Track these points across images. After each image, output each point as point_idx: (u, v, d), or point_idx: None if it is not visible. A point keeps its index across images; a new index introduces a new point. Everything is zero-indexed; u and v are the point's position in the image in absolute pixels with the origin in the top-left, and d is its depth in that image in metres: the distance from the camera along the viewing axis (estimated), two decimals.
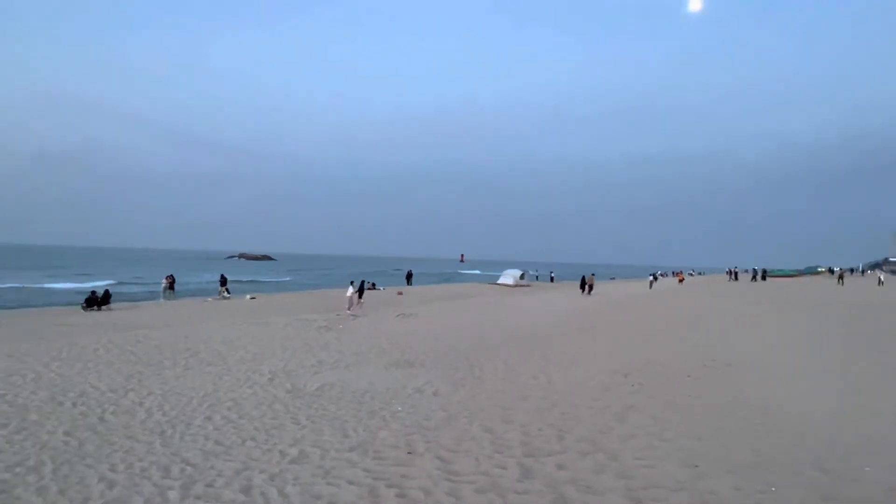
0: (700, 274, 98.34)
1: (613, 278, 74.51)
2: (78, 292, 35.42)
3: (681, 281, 57.02)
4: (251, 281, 56.35)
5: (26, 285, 45.23)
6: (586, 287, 36.82)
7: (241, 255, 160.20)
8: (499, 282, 51.33)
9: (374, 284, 41.21)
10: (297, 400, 8.23)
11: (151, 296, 33.65)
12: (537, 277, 70.35)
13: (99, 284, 35.11)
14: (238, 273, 70.23)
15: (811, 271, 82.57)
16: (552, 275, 71.72)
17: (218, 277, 33.11)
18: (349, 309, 21.67)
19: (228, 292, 30.52)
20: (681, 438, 6.30)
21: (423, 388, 8.94)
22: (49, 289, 42.39)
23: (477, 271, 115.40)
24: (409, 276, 50.98)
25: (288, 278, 69.90)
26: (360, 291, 23.03)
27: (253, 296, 30.99)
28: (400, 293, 35.70)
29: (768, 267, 73.23)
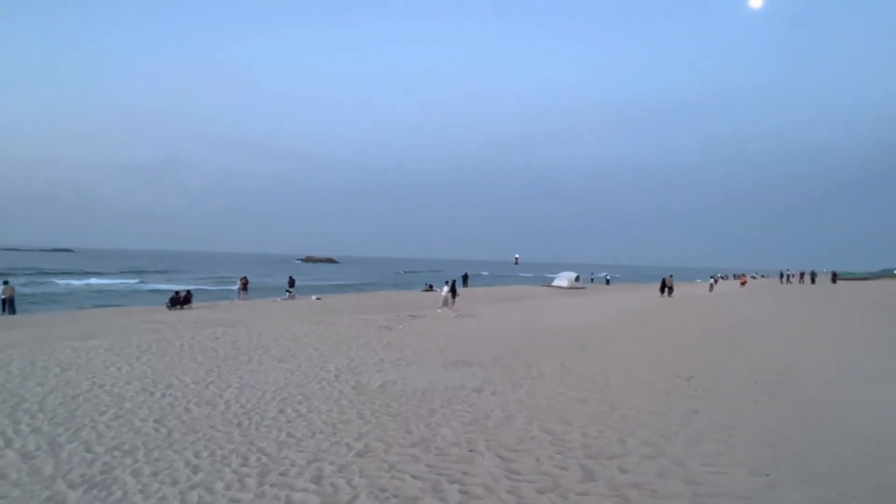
0: (763, 276, 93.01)
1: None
2: (157, 292, 37.79)
3: (743, 284, 54.17)
4: (319, 284, 58.11)
5: (116, 283, 48.71)
6: (666, 289, 35.70)
7: (307, 258, 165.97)
8: (553, 284, 50.56)
9: (430, 286, 41.54)
10: (362, 396, 8.39)
11: (227, 295, 35.39)
12: (592, 280, 68.84)
13: (181, 287, 37.20)
14: (304, 275, 72.72)
15: (887, 274, 75.88)
16: (607, 277, 69.97)
17: (286, 279, 34.32)
18: (440, 309, 22.00)
19: (290, 291, 31.57)
20: (750, 445, 5.95)
21: (482, 388, 8.89)
22: (138, 289, 45.44)
23: (531, 274, 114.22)
24: (465, 278, 51.04)
25: (351, 280, 71.70)
26: (453, 291, 23.12)
27: (318, 296, 31.98)
28: (457, 294, 35.73)
29: (837, 269, 68.00)
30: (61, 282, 47.31)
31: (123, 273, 66.59)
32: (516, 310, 24.27)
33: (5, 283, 23.80)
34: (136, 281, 53.28)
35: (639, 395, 8.38)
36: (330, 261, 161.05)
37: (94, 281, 49.52)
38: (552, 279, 54.01)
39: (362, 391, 8.71)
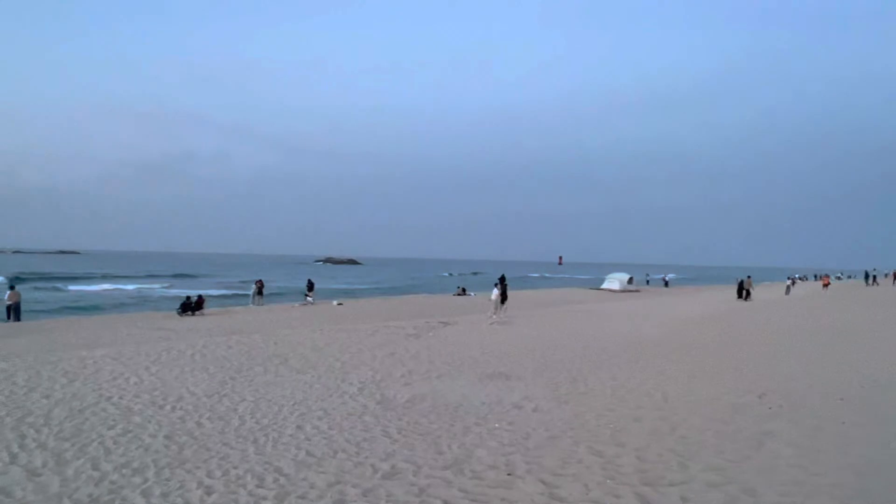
0: (849, 277, 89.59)
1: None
2: (167, 297, 39.01)
3: (826, 286, 52.28)
4: (342, 288, 58.89)
5: (124, 288, 50.47)
6: (744, 292, 34.90)
7: (328, 260, 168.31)
8: (603, 286, 49.90)
9: (464, 290, 41.60)
10: (388, 412, 8.46)
11: (241, 300, 36.23)
12: (648, 282, 67.62)
13: (192, 292, 38.29)
14: (324, 278, 73.81)
15: None
16: (666, 278, 68.61)
17: (304, 282, 34.89)
18: (494, 314, 21.80)
19: (309, 296, 32.03)
20: (834, 472, 5.73)
21: (522, 404, 8.85)
22: (146, 294, 46.97)
23: (577, 275, 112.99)
24: (501, 281, 50.79)
25: (375, 283, 72.41)
26: (504, 294, 22.80)
27: (340, 301, 32.42)
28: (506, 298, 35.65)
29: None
30: (73, 287, 49.19)
31: (138, 277, 68.85)
32: (561, 316, 24.05)
33: (11, 287, 24.95)
34: (158, 286, 54.91)
35: (703, 413, 8.19)
36: (352, 262, 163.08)
37: (107, 286, 51.30)
38: (601, 281, 53.29)
39: (388, 406, 8.78)
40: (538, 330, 18.65)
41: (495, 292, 22.32)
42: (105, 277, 66.16)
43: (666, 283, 65.78)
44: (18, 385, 9.90)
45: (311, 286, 32.61)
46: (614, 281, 49.83)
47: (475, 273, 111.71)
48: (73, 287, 49.36)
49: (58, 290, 47.53)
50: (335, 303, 31.86)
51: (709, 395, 9.30)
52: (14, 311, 23.86)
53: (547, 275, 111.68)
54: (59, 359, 12.31)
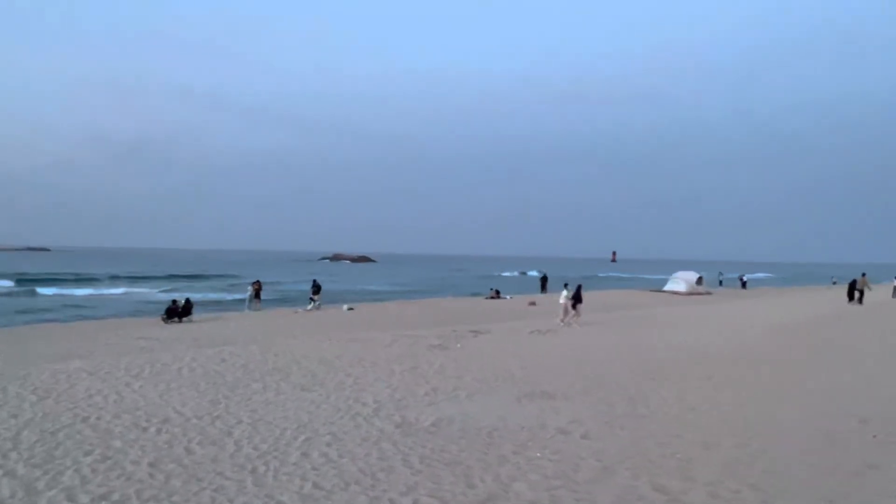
0: None
1: (836, 282, 68.09)
2: (150, 301, 39.86)
3: None
4: (354, 289, 59.36)
5: (104, 293, 51.69)
6: (856, 294, 34.15)
7: (336, 256, 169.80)
8: (667, 288, 49.37)
9: (497, 292, 41.57)
10: (409, 437, 8.50)
11: (236, 305, 36.80)
12: (721, 282, 66.62)
13: (179, 295, 39.02)
14: (333, 278, 74.50)
15: None
16: (743, 278, 67.51)
17: (309, 283, 35.20)
18: (562, 320, 22.48)
19: (315, 300, 32.29)
20: None
21: (569, 429, 8.81)
22: (128, 297, 48.05)
23: (634, 274, 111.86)
24: (543, 282, 50.73)
25: (392, 285, 72.78)
26: (577, 298, 23.36)
27: (351, 306, 32.68)
28: (532, 303, 35.66)
29: None
30: (49, 291, 50.26)
31: (122, 279, 70.19)
32: (615, 323, 23.84)
33: None
34: (147, 289, 55.92)
35: (791, 441, 8.06)
36: (365, 259, 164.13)
37: (91, 291, 52.42)
38: (664, 281, 52.71)
39: (409, 431, 8.81)
40: (588, 340, 18.52)
41: (564, 294, 23.05)
42: (81, 279, 67.69)
43: (743, 284, 64.70)
44: None
45: (316, 288, 32.90)
46: (680, 281, 49.21)
47: (522, 273, 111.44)
48: (49, 291, 50.49)
49: (35, 294, 48.60)
50: (345, 307, 32.12)
51: (798, 420, 9.15)
52: None
53: (600, 274, 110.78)
54: (27, 373, 12.66)
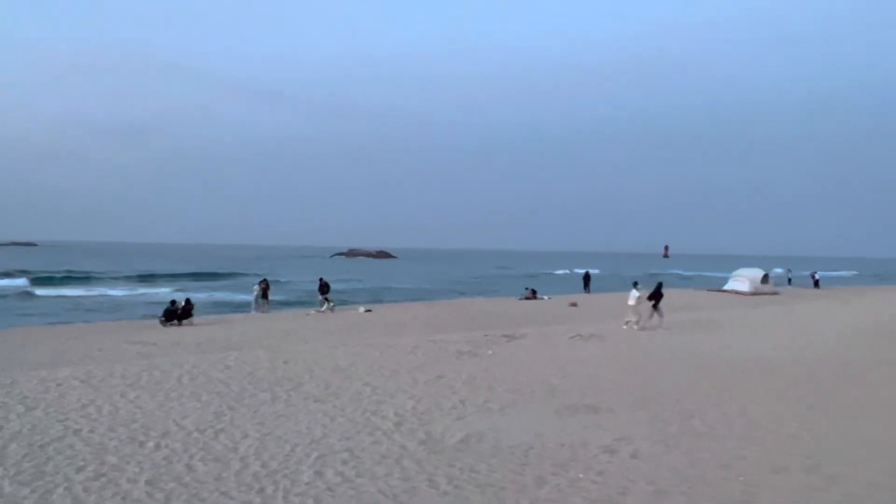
0: None
1: None
2: (148, 302, 40.44)
3: None
4: (371, 288, 59.60)
5: (98, 293, 52.59)
6: None
7: (351, 252, 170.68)
8: (727, 287, 48.74)
9: (534, 292, 41.46)
10: (434, 455, 8.52)
11: (241, 306, 37.20)
12: (790, 280, 65.66)
13: (179, 294, 39.49)
14: (346, 275, 74.90)
15: None
16: (815, 276, 66.45)
17: (317, 282, 35.28)
18: (636, 322, 22.54)
19: (329, 301, 32.39)
20: None
21: (615, 447, 8.76)
22: (123, 297, 48.86)
23: (689, 271, 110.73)
24: (586, 280, 50.41)
25: (413, 283, 72.94)
26: (657, 297, 23.36)
27: (368, 308, 32.81)
28: (573, 304, 35.48)
29: None
30: (44, 291, 51.12)
31: (118, 279, 71.23)
32: (669, 327, 23.59)
33: None
34: (148, 289, 56.78)
35: (873, 463, 7.94)
36: (384, 255, 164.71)
37: (92, 291, 53.44)
38: (724, 280, 52.07)
39: (435, 448, 8.84)
40: (637, 346, 18.40)
41: (635, 294, 23.00)
42: (78, 277, 68.95)
43: (816, 283, 63.63)
44: None
45: (324, 287, 32.94)
46: (743, 280, 48.51)
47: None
48: (43, 291, 51.24)
49: (30, 295, 49.23)
50: (362, 309, 32.27)
51: (882, 439, 9.02)
52: None
53: (654, 271, 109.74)
54: (13, 380, 12.93)
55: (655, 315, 23.22)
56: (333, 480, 7.55)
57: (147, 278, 72.62)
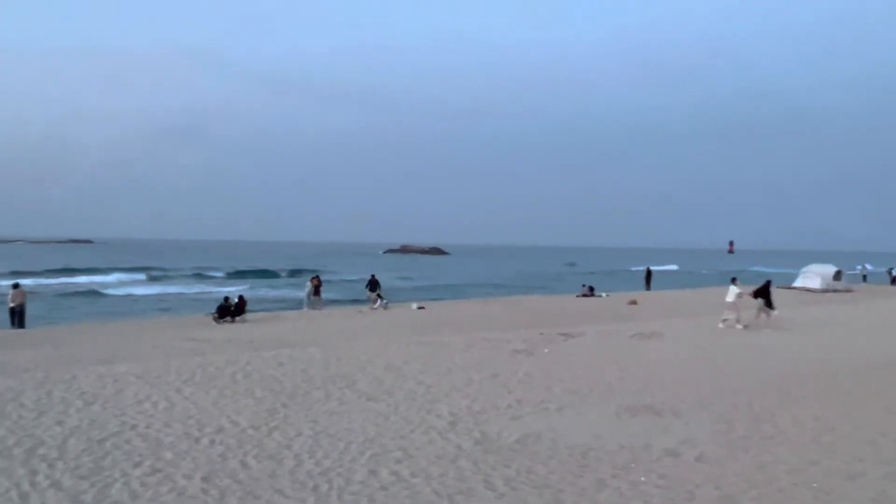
0: None
1: None
2: (197, 299, 41.39)
3: None
4: (423, 286, 59.91)
5: (159, 291, 54.14)
6: None
7: (403, 248, 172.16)
8: (796, 284, 47.48)
9: (591, 289, 41.10)
10: (490, 455, 8.51)
11: (293, 302, 37.80)
12: (865, 277, 63.65)
13: (231, 290, 40.29)
14: (398, 272, 75.43)
15: None
16: (894, 273, 64.29)
17: (378, 278, 35.58)
18: (737, 321, 22.41)
19: (382, 298, 32.68)
20: None
21: (679, 450, 8.64)
22: (176, 294, 50.18)
23: (757, 267, 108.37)
24: (647, 277, 49.81)
25: (466, 280, 73.00)
26: (765, 294, 23.17)
27: (421, 305, 32.97)
28: (633, 302, 35.04)
29: None
30: (111, 292, 52.84)
31: (170, 276, 73.57)
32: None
33: (15, 286, 27.43)
34: (204, 287, 58.65)
35: None
36: (437, 251, 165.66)
37: (159, 289, 55.61)
38: (793, 277, 50.73)
39: (490, 448, 8.83)
40: (701, 345, 18.11)
41: (734, 291, 22.83)
42: (160, 277, 71.50)
43: (893, 280, 61.57)
44: (27, 408, 10.88)
45: (373, 284, 33.21)
46: (814, 276, 47.18)
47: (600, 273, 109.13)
48: (111, 291, 52.85)
49: (97, 294, 50.78)
50: (414, 306, 32.42)
51: None
52: (18, 316, 26.19)
53: (723, 269, 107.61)
54: (73, 376, 13.39)
55: (763, 313, 22.89)
56: (387, 480, 7.61)
57: (200, 275, 74.52)
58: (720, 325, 22.28)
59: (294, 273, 79.36)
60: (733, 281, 23.58)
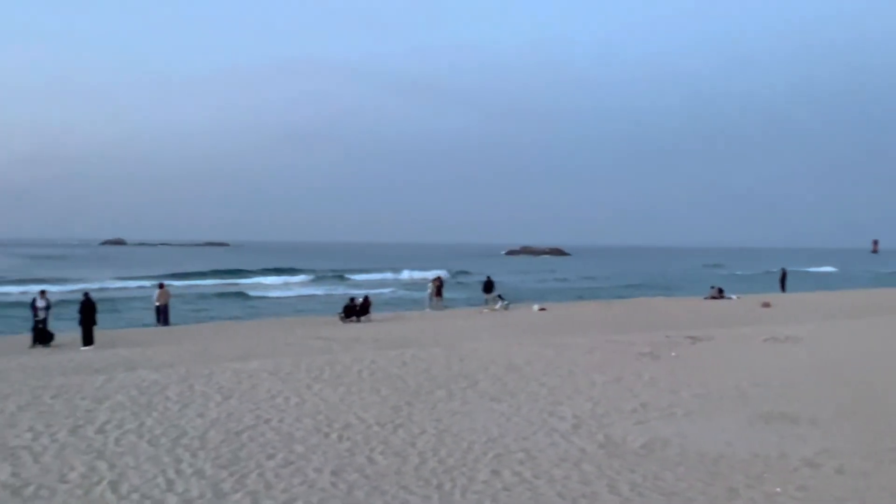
0: None
1: None
2: (322, 300, 42.86)
3: None
4: (545, 287, 59.69)
5: (295, 293, 56.58)
6: None
7: (524, 249, 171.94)
8: None
9: (721, 291, 39.66)
10: (615, 459, 8.40)
11: (415, 303, 38.56)
12: None
13: (357, 292, 41.54)
14: (519, 273, 75.39)
15: None
16: None
17: (494, 280, 35.84)
18: None
19: (503, 299, 32.81)
20: None
21: (818, 460, 8.24)
22: (302, 294, 52.23)
23: None
24: (782, 278, 47.61)
25: (588, 281, 72.11)
26: None
27: (542, 306, 32.88)
28: (766, 304, 33.56)
29: None
30: (258, 293, 55.54)
31: (327, 278, 77.00)
32: (879, 330, 21.75)
33: (160, 286, 29.46)
34: (327, 289, 61.12)
35: None
36: (557, 252, 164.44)
37: (313, 289, 58.90)
38: None
39: (615, 452, 8.72)
40: (842, 350, 17.18)
41: None
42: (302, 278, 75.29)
43: None
44: (171, 400, 11.67)
45: (489, 285, 33.31)
46: None
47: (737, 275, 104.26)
48: (251, 293, 55.49)
49: (245, 296, 53.28)
50: (536, 307, 32.39)
51: None
52: (163, 314, 28.15)
53: (877, 270, 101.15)
54: (211, 371, 14.24)
55: None
56: (510, 480, 7.65)
57: (328, 276, 77.25)
58: None
59: (414, 273, 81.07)
60: None
